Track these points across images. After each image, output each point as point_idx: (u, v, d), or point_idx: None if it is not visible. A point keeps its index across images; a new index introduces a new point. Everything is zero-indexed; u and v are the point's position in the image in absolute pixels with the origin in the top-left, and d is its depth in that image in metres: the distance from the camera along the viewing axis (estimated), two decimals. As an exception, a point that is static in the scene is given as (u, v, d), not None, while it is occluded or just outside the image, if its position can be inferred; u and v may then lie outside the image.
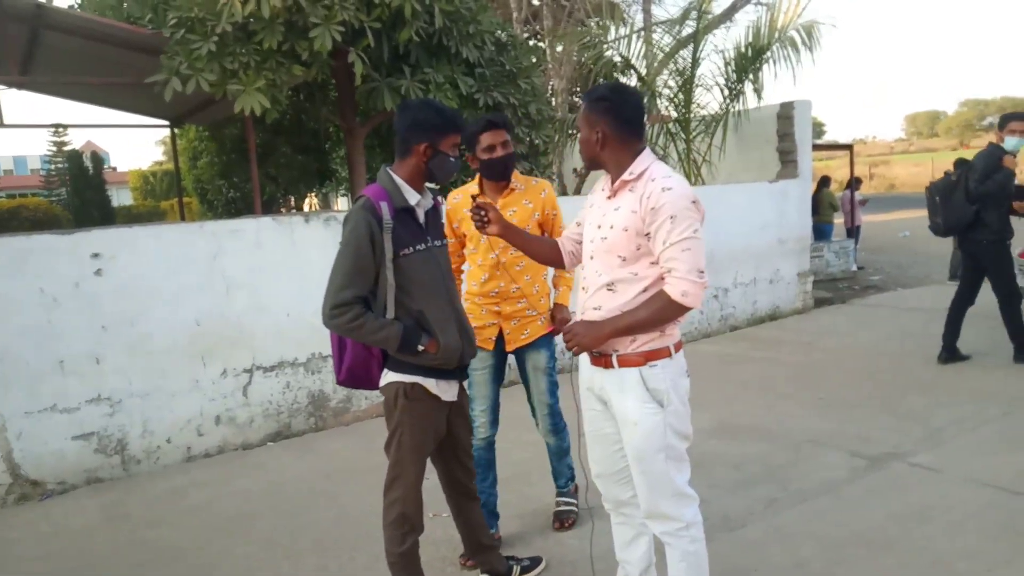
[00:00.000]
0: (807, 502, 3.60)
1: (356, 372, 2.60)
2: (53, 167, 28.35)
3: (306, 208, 17.15)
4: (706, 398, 5.12)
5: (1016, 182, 5.65)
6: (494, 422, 3.33)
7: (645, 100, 8.43)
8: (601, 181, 2.46)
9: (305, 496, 4.06)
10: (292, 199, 14.17)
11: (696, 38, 8.86)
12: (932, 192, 5.94)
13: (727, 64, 8.88)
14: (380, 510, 2.61)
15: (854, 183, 12.41)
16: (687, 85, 8.91)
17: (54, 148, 27.81)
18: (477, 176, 3.25)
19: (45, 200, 25.84)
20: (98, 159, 25.17)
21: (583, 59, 9.80)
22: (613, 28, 9.80)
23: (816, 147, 11.45)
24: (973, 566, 2.93)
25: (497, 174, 3.16)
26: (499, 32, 7.24)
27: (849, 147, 13.82)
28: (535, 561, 3.10)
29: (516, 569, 3.01)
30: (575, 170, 10.70)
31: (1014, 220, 5.69)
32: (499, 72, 6.92)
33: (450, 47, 6.39)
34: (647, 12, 13.34)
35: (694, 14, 8.93)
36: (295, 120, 9.92)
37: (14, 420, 4.17)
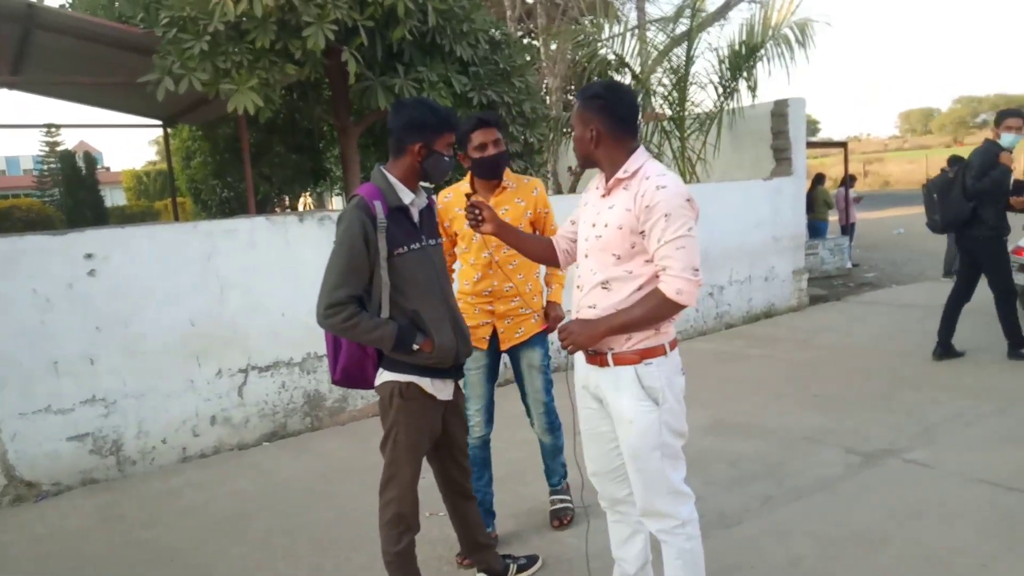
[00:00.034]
0: (803, 499, 3.61)
1: (351, 372, 2.59)
2: (46, 167, 28.25)
3: (300, 208, 17.10)
4: (702, 396, 5.13)
5: (1014, 178, 5.67)
6: (489, 421, 3.33)
7: (639, 98, 8.45)
8: (595, 179, 2.46)
9: (301, 496, 4.05)
10: (286, 199, 14.14)
11: (690, 36, 8.87)
12: (930, 189, 5.97)
13: (721, 62, 8.89)
14: (376, 510, 2.61)
15: (848, 180, 12.45)
16: (681, 83, 8.92)
17: (47, 148, 27.71)
18: (468, 174, 3.24)
19: (38, 201, 25.75)
20: (91, 159, 25.07)
21: (577, 57, 9.81)
22: (607, 26, 9.80)
23: (810, 144, 11.50)
24: (967, 561, 2.94)
25: (489, 172, 3.15)
26: (493, 30, 7.23)
27: (843, 144, 13.88)
28: (531, 560, 3.10)
29: (512, 568, 3.01)
30: (570, 168, 10.70)
31: (1010, 216, 5.71)
32: (493, 70, 6.91)
33: (444, 45, 6.38)
34: (641, 10, 13.35)
35: (688, 12, 8.94)
36: (289, 119, 9.89)
37: (8, 421, 4.15)
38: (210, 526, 3.76)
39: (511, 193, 3.22)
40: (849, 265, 11.39)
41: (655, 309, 2.23)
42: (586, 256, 2.39)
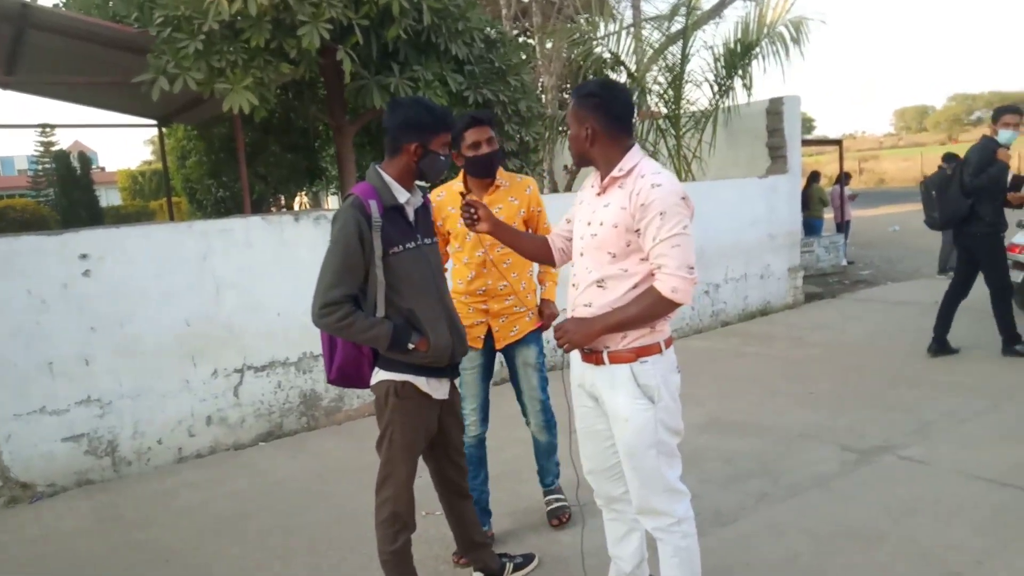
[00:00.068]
0: (798, 496, 3.62)
1: (347, 371, 2.59)
2: (40, 167, 28.10)
3: (296, 207, 17.08)
4: (697, 394, 5.14)
5: (1013, 173, 5.68)
6: (484, 420, 3.33)
7: (635, 96, 8.45)
8: (591, 178, 2.46)
9: (297, 496, 4.05)
10: (282, 198, 14.10)
11: (685, 34, 8.87)
12: (928, 186, 5.98)
13: (716, 60, 8.90)
14: (373, 509, 2.61)
15: (844, 178, 12.47)
16: (677, 81, 8.92)
17: (41, 148, 27.57)
18: (461, 173, 3.23)
19: (32, 201, 25.61)
20: (86, 159, 24.96)
21: (573, 56, 9.80)
22: (602, 24, 9.79)
23: (805, 142, 11.52)
24: (962, 558, 2.95)
25: (483, 171, 3.14)
26: (488, 29, 7.22)
27: (838, 142, 13.88)
28: (528, 558, 3.10)
29: (509, 567, 3.02)
30: (566, 167, 10.69)
31: (1005, 212, 5.73)
32: (488, 69, 6.91)
33: (439, 44, 6.38)
34: (636, 8, 13.34)
35: (683, 10, 8.93)
36: (284, 119, 9.87)
37: (3, 423, 4.14)
38: (206, 526, 3.75)
39: (504, 192, 3.22)
40: (844, 263, 11.41)
41: (650, 307, 2.23)
42: (581, 254, 2.39)
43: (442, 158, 2.55)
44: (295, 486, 4.19)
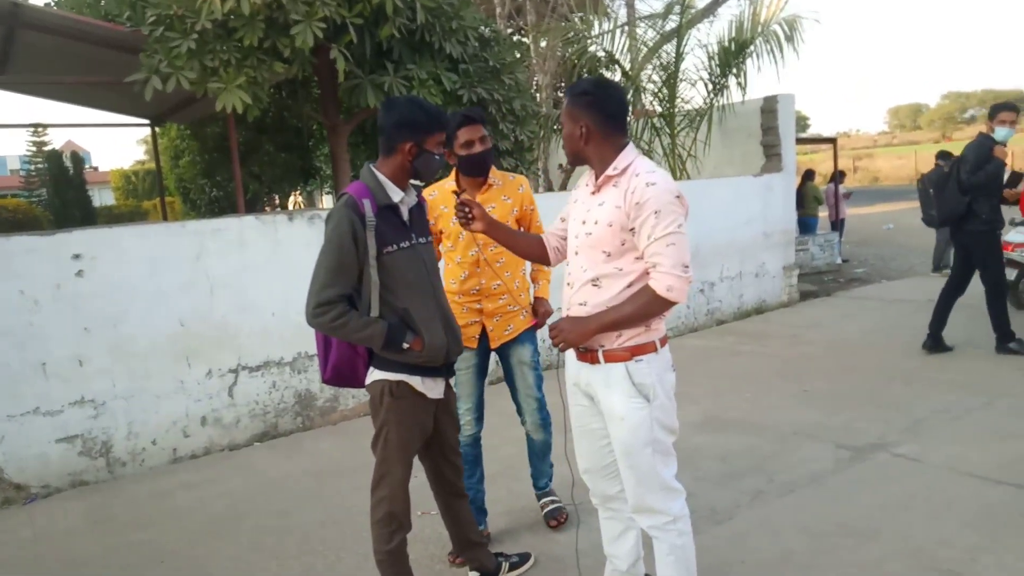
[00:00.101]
0: (793, 493, 3.63)
1: (342, 370, 2.59)
2: (33, 167, 28.01)
3: (290, 206, 17.05)
4: (693, 392, 5.15)
5: (1012, 170, 5.69)
6: (479, 420, 3.33)
7: (629, 95, 8.45)
8: (585, 176, 2.46)
9: (293, 496, 4.04)
10: (276, 197, 14.08)
11: (680, 32, 8.88)
12: (925, 184, 5.99)
13: (711, 58, 8.91)
14: (368, 508, 2.61)
15: (838, 176, 12.49)
16: (671, 80, 8.93)
17: (33, 148, 27.49)
18: (453, 172, 3.22)
19: (25, 201, 25.50)
20: (78, 159, 24.87)
21: (567, 54, 9.80)
22: (597, 23, 9.82)
23: (800, 141, 11.53)
24: (955, 554, 2.96)
25: (476, 170, 3.13)
26: (482, 28, 7.21)
27: (833, 140, 13.92)
28: (524, 557, 3.10)
29: (505, 566, 3.01)
30: (560, 166, 10.69)
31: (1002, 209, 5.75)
32: (483, 68, 6.90)
33: (433, 43, 6.37)
34: (630, 7, 13.34)
35: (677, 8, 8.95)
36: (278, 118, 9.85)
37: (-4, 424, 4.12)
38: (201, 527, 3.74)
39: (497, 191, 3.21)
40: (839, 261, 11.44)
41: (645, 306, 2.23)
42: (576, 253, 2.39)
43: (437, 157, 2.55)
44: (290, 486, 4.18)
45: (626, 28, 10.57)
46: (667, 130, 9.02)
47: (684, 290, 2.21)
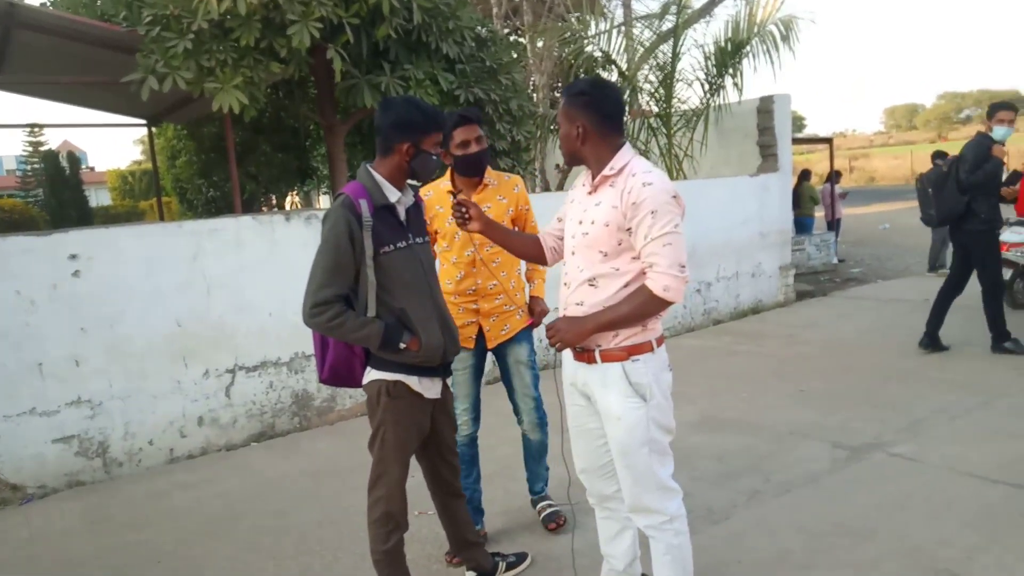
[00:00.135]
0: (790, 493, 3.64)
1: (339, 370, 2.59)
2: (29, 167, 27.92)
3: (287, 207, 17.02)
4: (689, 392, 5.15)
5: (1012, 169, 5.69)
6: (476, 419, 3.32)
7: (625, 95, 8.46)
8: (582, 176, 2.46)
9: (289, 496, 4.04)
10: (273, 198, 14.07)
11: (676, 33, 8.89)
12: (924, 183, 5.99)
13: (707, 58, 8.92)
14: (365, 508, 2.61)
15: (834, 176, 12.52)
16: (668, 80, 8.94)
17: (30, 148, 27.39)
18: (449, 171, 3.22)
19: (21, 201, 25.42)
20: (75, 159, 24.80)
21: (564, 54, 9.81)
22: (593, 23, 9.81)
23: (796, 141, 11.56)
24: (952, 553, 2.97)
25: (471, 170, 3.13)
26: (479, 28, 7.22)
27: (829, 140, 13.94)
28: (520, 557, 3.10)
29: (502, 566, 3.02)
30: (557, 166, 10.71)
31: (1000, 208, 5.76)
32: (480, 68, 6.90)
33: (430, 43, 6.37)
34: (627, 7, 13.37)
35: (674, 8, 8.96)
36: (274, 118, 9.84)
37: (-8, 424, 4.11)
38: (198, 527, 3.74)
39: (493, 191, 3.21)
40: (835, 261, 11.46)
41: (642, 306, 2.24)
42: (573, 253, 2.39)
43: (434, 157, 2.55)
44: (287, 486, 4.18)
45: (622, 28, 10.59)
46: (663, 130, 9.02)
47: (681, 290, 2.21)
